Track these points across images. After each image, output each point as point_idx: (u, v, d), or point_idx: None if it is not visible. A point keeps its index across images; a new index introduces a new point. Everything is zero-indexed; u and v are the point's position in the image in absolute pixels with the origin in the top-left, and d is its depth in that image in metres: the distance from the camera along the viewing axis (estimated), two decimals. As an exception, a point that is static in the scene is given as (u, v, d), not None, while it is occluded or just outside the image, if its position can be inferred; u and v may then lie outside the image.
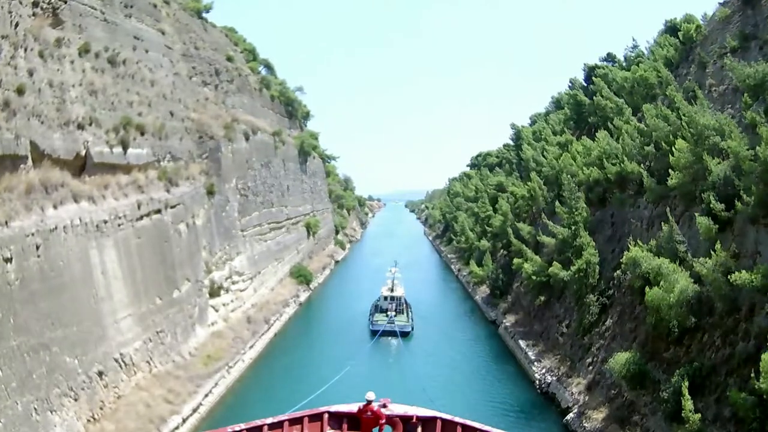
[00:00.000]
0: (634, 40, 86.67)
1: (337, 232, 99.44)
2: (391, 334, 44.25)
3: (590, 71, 71.03)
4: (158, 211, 33.00)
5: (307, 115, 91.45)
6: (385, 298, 49.28)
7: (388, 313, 46.76)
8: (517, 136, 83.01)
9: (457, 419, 12.35)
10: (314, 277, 63.43)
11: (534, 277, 41.12)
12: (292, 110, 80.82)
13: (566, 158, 47.69)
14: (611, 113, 47.29)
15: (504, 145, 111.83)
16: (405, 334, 45.00)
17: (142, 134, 33.63)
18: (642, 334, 29.54)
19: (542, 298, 41.43)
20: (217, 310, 39.44)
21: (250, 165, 50.48)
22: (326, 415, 12.58)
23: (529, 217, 54.66)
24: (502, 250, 59.67)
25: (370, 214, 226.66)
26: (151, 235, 32.07)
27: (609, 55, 69.52)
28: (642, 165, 35.70)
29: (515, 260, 47.61)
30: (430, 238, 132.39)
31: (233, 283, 43.33)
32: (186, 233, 35.93)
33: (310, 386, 29.09)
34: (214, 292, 39.59)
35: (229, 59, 58.58)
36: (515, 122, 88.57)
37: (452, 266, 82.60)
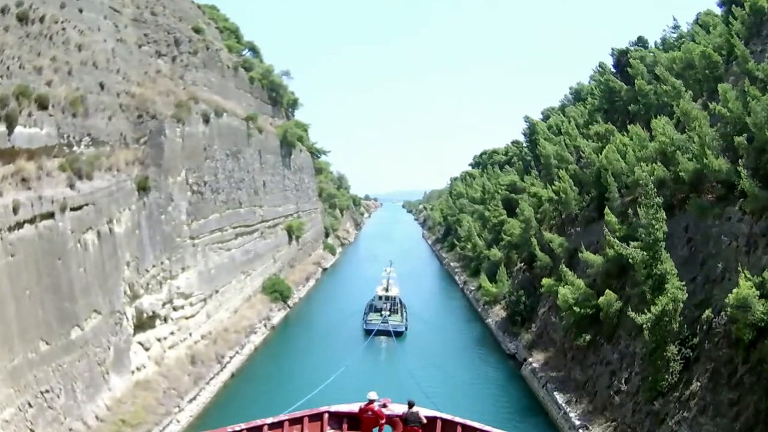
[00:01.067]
0: (675, 19, 75.78)
1: (327, 235, 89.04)
2: (385, 333, 43.63)
3: (620, 56, 61.49)
4: (49, 216, 22.69)
5: (294, 104, 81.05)
6: (380, 297, 48.71)
7: (383, 312, 46.23)
8: (532, 131, 72.92)
9: (457, 419, 12.33)
10: (294, 291, 53.05)
11: (576, 308, 30.79)
12: (276, 96, 70.44)
13: (610, 152, 37.45)
14: (667, 98, 37.40)
15: (513, 142, 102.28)
16: (399, 334, 44.53)
17: (44, 108, 23.62)
18: (750, 410, 19.88)
19: (587, 337, 31.07)
20: (147, 349, 29.10)
21: (210, 154, 40.09)
22: (326, 415, 12.44)
23: (556, 225, 44.36)
24: (520, 264, 49.35)
25: (366, 214, 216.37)
26: (35, 251, 21.81)
27: (640, 39, 60.25)
28: (731, 161, 25.76)
29: (545, 281, 37.38)
30: (429, 241, 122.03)
31: (175, 308, 32.94)
32: (96, 246, 25.55)
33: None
34: (144, 324, 29.23)
35: (197, 31, 48.28)
36: (528, 115, 78.38)
37: (456, 277, 72.26)
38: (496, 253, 58.37)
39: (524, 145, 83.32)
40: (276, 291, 47.70)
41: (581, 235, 41.00)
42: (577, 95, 75.34)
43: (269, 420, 11.81)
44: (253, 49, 72.72)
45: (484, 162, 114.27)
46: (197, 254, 36.37)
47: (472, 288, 60.37)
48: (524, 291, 43.35)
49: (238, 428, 11.39)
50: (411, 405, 12.04)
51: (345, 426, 12.41)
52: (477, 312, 53.62)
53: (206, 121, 40.14)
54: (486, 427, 12.15)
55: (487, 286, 49.58)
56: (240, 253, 43.91)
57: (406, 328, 46.32)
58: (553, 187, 43.90)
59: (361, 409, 12.00)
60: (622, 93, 50.78)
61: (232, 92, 52.13)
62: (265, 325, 43.28)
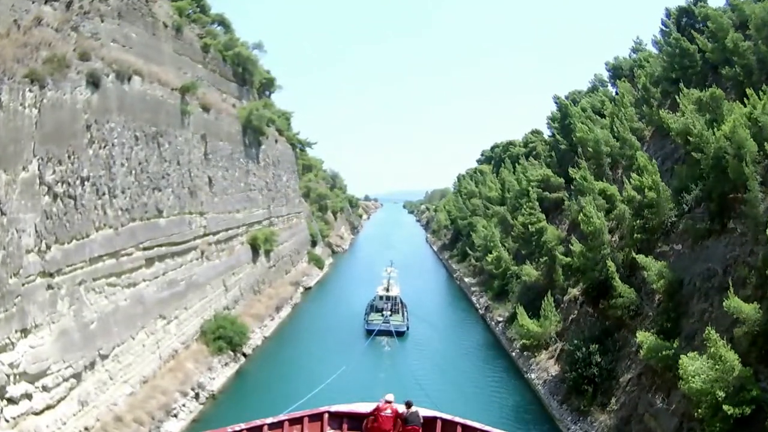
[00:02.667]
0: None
1: (314, 244, 73.96)
2: (387, 333, 42.97)
3: (681, 15, 47.59)
4: None
5: (269, 85, 65.95)
6: (381, 297, 48.25)
7: (384, 312, 45.79)
8: (564, 114, 58.36)
9: (457, 419, 12.29)
10: (253, 331, 38.03)
11: (725, 404, 15.92)
12: (245, 74, 55.48)
13: (739, 128, 22.80)
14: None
15: (532, 132, 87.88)
16: (400, 334, 43.71)
17: None
18: None
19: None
20: None
21: (101, 135, 25.19)
22: (326, 415, 12.46)
23: (639, 241, 29.15)
24: (575, 292, 34.30)
25: (364, 216, 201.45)
26: None
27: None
28: None
29: (642, 337, 22.51)
30: (435, 247, 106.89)
31: (9, 401, 18.11)
32: None
33: None
34: None
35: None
36: (558, 95, 64.30)
37: (473, 298, 57.09)
38: (530, 271, 43.38)
39: (551, 132, 68.61)
40: (221, 337, 32.63)
41: (686, 257, 26.04)
42: (616, 72, 60.95)
43: (269, 420, 11.78)
44: (223, 23, 57.55)
45: (497, 156, 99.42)
46: (58, 301, 21.36)
47: (499, 318, 45.27)
48: (591, 339, 28.27)
49: (238, 428, 11.32)
50: (409, 405, 12.13)
51: (345, 426, 12.36)
52: (510, 356, 38.45)
53: (95, 84, 25.20)
54: (486, 427, 12.11)
55: (526, 323, 34.46)
56: (157, 287, 28.83)
57: (407, 328, 45.89)
58: (641, 182, 28.70)
59: (378, 408, 11.99)
60: (705, 54, 36.85)
61: (167, 58, 37.27)
62: (196, 396, 28.24)
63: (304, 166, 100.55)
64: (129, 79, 28.77)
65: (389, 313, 45.69)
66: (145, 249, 28.12)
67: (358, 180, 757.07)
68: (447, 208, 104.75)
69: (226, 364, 32.71)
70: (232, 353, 33.46)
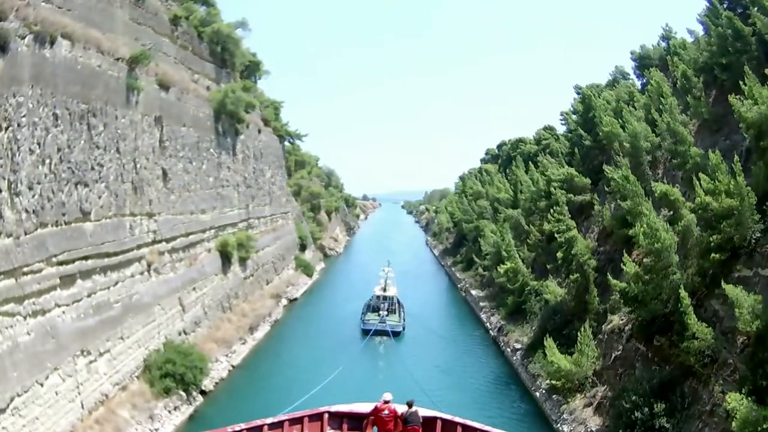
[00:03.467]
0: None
1: (303, 248, 66.89)
2: (383, 333, 42.80)
3: None
4: None
5: (255, 69, 58.84)
6: (378, 297, 47.87)
7: (380, 312, 45.40)
8: (587, 107, 51.70)
9: (457, 419, 12.26)
10: (214, 362, 30.89)
11: None
12: (224, 54, 48.39)
13: None
14: None
15: (545, 128, 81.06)
16: (396, 334, 43.53)
17: None
18: None
19: None
20: None
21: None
22: (326, 415, 12.39)
23: (713, 263, 22.04)
24: (626, 328, 27.19)
25: (362, 216, 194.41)
26: None
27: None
28: None
29: (730, 398, 15.63)
30: (436, 252, 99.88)
31: None
32: None
33: None
34: None
35: None
36: (580, 85, 58.14)
37: (482, 315, 50.06)
38: (554, 289, 36.52)
39: (569, 128, 62.32)
40: (169, 374, 25.54)
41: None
42: (643, 61, 54.08)
43: (269, 420, 11.71)
44: (206, 2, 50.43)
45: (504, 155, 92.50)
46: None
47: (516, 345, 38.19)
48: (652, 392, 21.22)
49: (238, 428, 11.22)
50: (410, 405, 12.02)
51: (345, 426, 12.31)
52: (533, 397, 31.37)
53: (0, 48, 18.25)
54: (486, 427, 12.08)
55: (557, 359, 27.44)
56: (77, 313, 21.72)
57: (403, 328, 45.85)
58: (706, 184, 21.71)
59: (377, 408, 11.87)
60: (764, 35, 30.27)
61: (123, 27, 30.19)
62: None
63: (296, 162, 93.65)
64: (53, 43, 21.72)
65: (386, 312, 45.44)
66: (60, 264, 21.01)
67: (356, 179, 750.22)
68: (449, 209, 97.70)
69: (176, 408, 25.61)
70: (183, 393, 26.36)
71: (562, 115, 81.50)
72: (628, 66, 56.11)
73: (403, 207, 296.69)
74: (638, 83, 53.43)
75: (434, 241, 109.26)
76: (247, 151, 47.59)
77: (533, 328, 39.25)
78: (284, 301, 49.19)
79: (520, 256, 47.46)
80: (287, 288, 51.89)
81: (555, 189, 45.95)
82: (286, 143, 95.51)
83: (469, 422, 12.25)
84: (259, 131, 51.67)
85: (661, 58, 49.47)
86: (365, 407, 12.39)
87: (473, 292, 56.05)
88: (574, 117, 57.92)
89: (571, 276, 36.09)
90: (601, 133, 43.73)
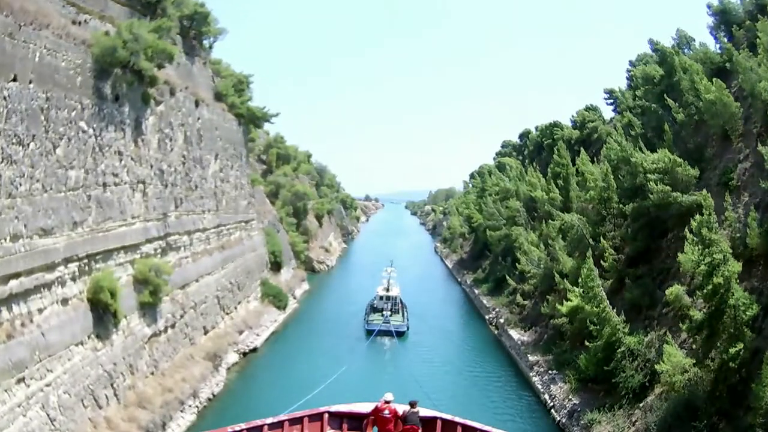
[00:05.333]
0: None
1: (277, 266, 49.96)
2: (387, 333, 41.83)
3: None
4: None
5: (202, 21, 41.95)
6: (381, 297, 47.20)
7: (384, 312, 44.59)
8: (667, 69, 36.21)
9: (457, 419, 12.19)
10: None
11: None
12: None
13: None
14: None
15: (587, 108, 65.56)
16: (400, 334, 42.44)
17: None
18: None
19: None
20: None
21: None
22: (326, 415, 12.32)
23: None
24: None
25: (362, 218, 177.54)
26: None
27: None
28: None
29: None
30: (448, 262, 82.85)
31: None
32: None
33: None
34: None
35: None
36: (656, 40, 41.78)
37: (534, 376, 32.81)
38: (678, 358, 19.78)
39: (637, 100, 46.38)
40: None
41: None
42: (724, 17, 39.10)
43: (269, 420, 11.67)
44: None
45: (533, 144, 75.65)
46: None
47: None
48: None
49: (238, 428, 11.17)
50: (413, 405, 11.93)
51: (345, 426, 12.29)
52: None
53: None
54: (486, 427, 12.01)
55: None
56: None
57: (407, 328, 44.49)
58: None
59: (377, 408, 11.81)
60: None
61: None
62: None
63: (279, 157, 76.92)
64: None
65: (389, 313, 44.83)
66: None
67: (358, 179, 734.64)
68: (465, 211, 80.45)
69: None
70: None
71: (607, 93, 65.09)
72: (694, 27, 39.96)
73: (406, 207, 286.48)
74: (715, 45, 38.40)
75: (445, 249, 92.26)
76: (171, 132, 30.75)
77: (634, 420, 22.71)
78: (231, 359, 32.27)
79: (608, 281, 30.91)
80: (240, 335, 34.99)
81: (655, 185, 29.30)
82: (270, 134, 79.40)
83: (469, 422, 12.03)
84: (198, 104, 34.78)
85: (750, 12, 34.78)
86: (365, 407, 12.23)
87: (513, 333, 38.94)
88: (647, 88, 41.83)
89: (716, 342, 19.39)
90: (702, 103, 27.98)
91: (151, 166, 28.65)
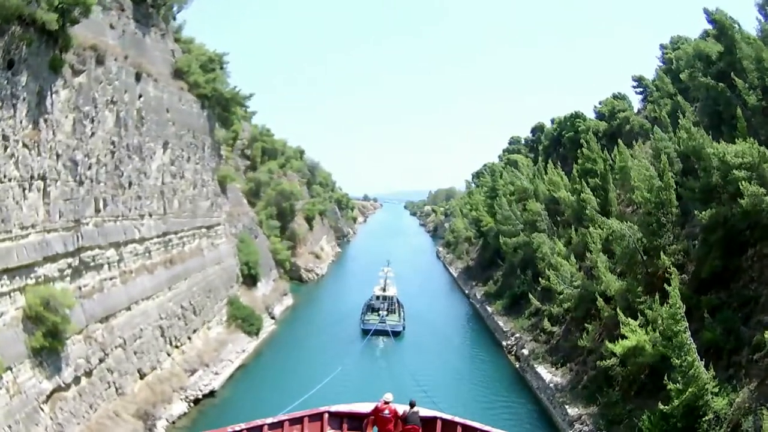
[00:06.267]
0: None
1: (253, 280, 41.95)
2: (383, 333, 41.80)
3: None
4: None
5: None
6: (377, 297, 47.10)
7: (380, 312, 44.50)
8: (727, 45, 26.37)
9: (457, 419, 12.12)
10: None
11: None
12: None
13: None
14: None
15: (615, 96, 58.81)
16: (396, 334, 42.48)
17: None
18: None
19: None
20: None
21: None
22: (326, 415, 12.25)
23: None
24: None
25: (360, 219, 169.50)
26: None
27: None
28: None
29: None
30: (452, 269, 74.86)
31: None
32: None
33: None
34: None
35: None
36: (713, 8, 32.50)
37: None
38: None
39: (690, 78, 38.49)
40: None
41: None
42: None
43: (269, 420, 11.62)
44: None
45: (549, 139, 67.92)
46: None
47: None
48: None
49: (238, 428, 11.10)
50: (412, 405, 11.82)
51: (345, 426, 12.25)
52: None
53: None
54: (486, 427, 11.91)
55: None
56: None
57: (403, 328, 44.08)
58: None
59: (377, 408, 11.70)
60: None
61: None
62: None
63: (264, 152, 68.95)
64: None
65: (386, 312, 44.66)
66: None
67: (357, 179, 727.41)
68: (472, 213, 72.37)
69: None
70: None
71: (636, 80, 57.67)
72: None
73: (405, 207, 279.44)
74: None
75: (448, 254, 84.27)
76: (94, 111, 22.77)
77: None
78: (177, 410, 24.35)
79: (642, 310, 23.25)
80: (192, 375, 26.99)
81: (746, 184, 21.52)
82: (253, 125, 71.18)
83: (469, 422, 11.96)
84: (139, 77, 26.81)
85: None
86: (365, 407, 12.13)
87: (542, 371, 30.90)
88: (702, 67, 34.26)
89: None
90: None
91: (58, 156, 20.69)
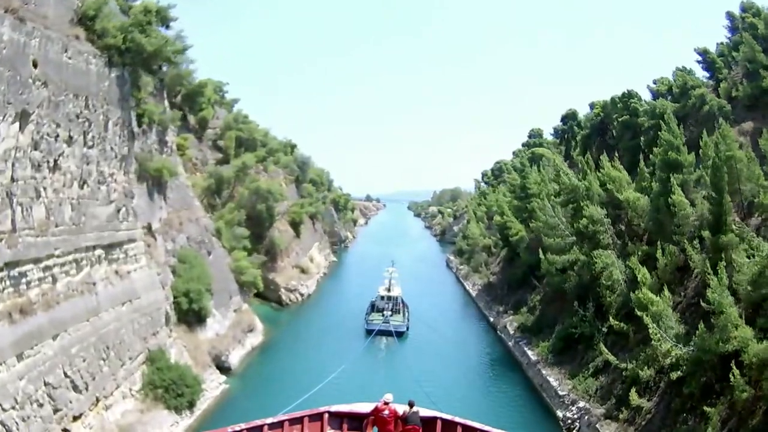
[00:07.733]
0: None
1: (199, 317, 29.75)
2: (387, 333, 41.54)
3: None
4: None
5: None
6: (382, 297, 46.95)
7: (384, 312, 44.51)
8: None
9: (457, 419, 12.06)
10: None
11: None
12: None
13: None
14: None
15: (682, 70, 45.80)
16: (400, 334, 42.29)
17: None
18: None
19: None
20: None
21: None
22: (326, 415, 12.15)
23: None
24: None
25: (361, 221, 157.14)
26: None
27: None
28: None
29: None
30: (468, 286, 62.41)
31: None
32: None
33: None
34: None
35: None
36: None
37: None
38: None
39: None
40: None
41: None
42: None
43: (269, 420, 11.52)
44: None
45: (589, 126, 55.88)
46: None
47: None
48: None
49: (238, 428, 10.99)
50: (411, 405, 11.79)
51: (345, 426, 12.18)
52: None
53: None
54: (486, 427, 11.88)
55: None
56: None
57: (407, 328, 44.01)
58: None
59: (377, 408, 11.61)
60: None
61: None
62: None
63: (240, 143, 56.61)
64: None
65: (390, 313, 44.53)
66: None
67: (359, 179, 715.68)
68: (496, 218, 59.71)
69: None
70: None
71: (701, 53, 46.04)
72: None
73: (409, 208, 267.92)
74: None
75: (462, 266, 71.74)
76: None
77: None
78: None
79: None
80: None
81: None
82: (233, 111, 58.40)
83: (469, 422, 11.89)
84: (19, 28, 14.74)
85: None
86: (365, 407, 12.05)
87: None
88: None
89: None
90: None
91: None
